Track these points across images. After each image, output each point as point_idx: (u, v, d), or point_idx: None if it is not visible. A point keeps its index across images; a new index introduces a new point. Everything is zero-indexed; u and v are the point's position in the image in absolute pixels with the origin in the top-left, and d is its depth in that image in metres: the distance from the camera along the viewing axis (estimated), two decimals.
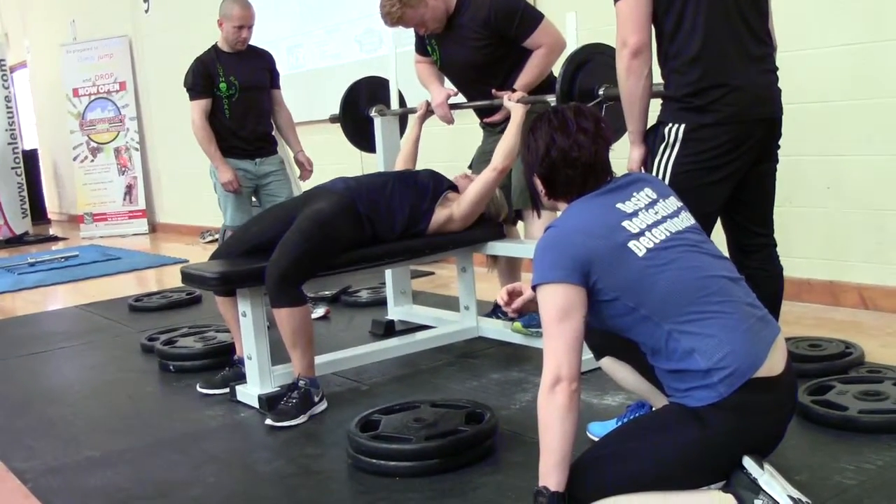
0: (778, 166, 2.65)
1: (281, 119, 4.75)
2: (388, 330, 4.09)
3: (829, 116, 3.92)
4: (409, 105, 4.17)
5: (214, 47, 4.57)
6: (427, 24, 3.59)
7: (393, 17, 3.53)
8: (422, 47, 3.86)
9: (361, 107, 4.17)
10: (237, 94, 4.48)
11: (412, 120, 3.99)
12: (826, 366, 3.01)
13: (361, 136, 4.24)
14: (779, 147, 2.62)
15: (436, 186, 3.49)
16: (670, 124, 2.48)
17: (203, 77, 4.45)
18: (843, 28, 3.86)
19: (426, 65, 3.89)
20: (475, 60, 3.60)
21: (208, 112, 4.47)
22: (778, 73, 2.56)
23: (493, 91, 3.58)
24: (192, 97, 4.48)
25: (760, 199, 2.65)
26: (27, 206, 10.68)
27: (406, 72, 4.04)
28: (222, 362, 3.59)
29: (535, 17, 3.51)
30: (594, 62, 2.95)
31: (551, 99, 3.15)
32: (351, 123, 4.21)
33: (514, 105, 3.47)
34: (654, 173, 2.49)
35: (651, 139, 2.57)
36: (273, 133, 4.73)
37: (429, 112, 3.91)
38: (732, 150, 2.46)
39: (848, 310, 3.97)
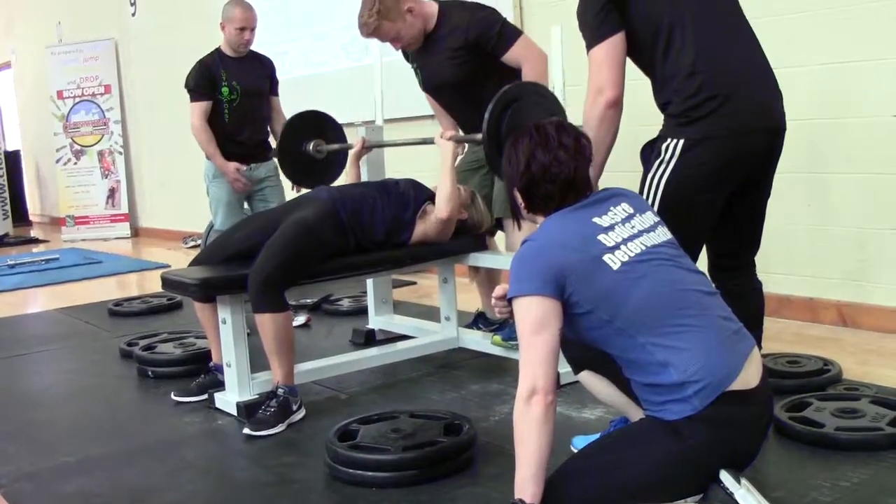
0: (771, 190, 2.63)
1: (278, 126, 4.73)
2: (369, 339, 4.08)
3: (810, 134, 3.95)
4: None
5: (218, 51, 4.56)
6: (402, 39, 3.54)
7: (369, 28, 3.48)
8: None
9: (300, 143, 4.03)
10: (238, 100, 4.48)
11: (350, 157, 3.93)
12: (804, 382, 3.03)
13: (303, 174, 4.08)
14: (774, 169, 2.58)
15: (416, 196, 3.48)
16: (669, 139, 2.44)
17: (205, 79, 4.45)
18: (824, 47, 3.89)
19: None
20: (457, 78, 3.54)
21: (208, 115, 4.46)
22: (777, 81, 2.53)
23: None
24: (193, 99, 4.47)
25: (750, 224, 2.64)
26: (8, 207, 10.63)
27: (391, 80, 4.05)
28: (201, 369, 3.56)
29: (514, 32, 3.47)
30: (522, 101, 2.90)
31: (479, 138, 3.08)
32: (290, 161, 4.03)
33: (443, 143, 3.41)
34: (644, 187, 2.47)
35: (647, 153, 2.53)
36: (268, 140, 4.72)
37: (364, 149, 3.86)
38: (728, 165, 2.42)
39: (827, 327, 3.99)
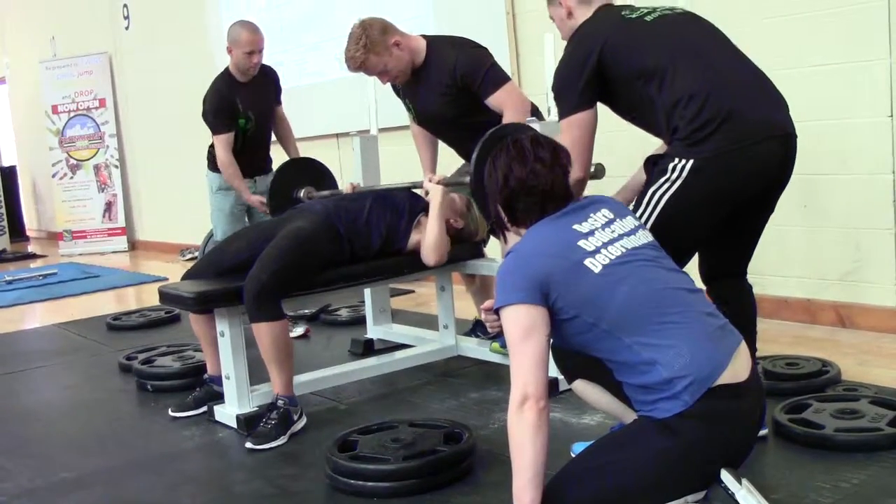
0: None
1: (282, 131, 4.72)
2: (368, 349, 4.09)
3: (805, 136, 3.92)
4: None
5: (228, 77, 4.48)
6: (390, 73, 3.55)
7: (356, 62, 3.49)
8: None
9: (292, 189, 4.02)
10: (254, 128, 4.47)
11: None
12: (803, 384, 3.03)
13: None
14: (786, 183, 2.58)
15: (412, 206, 3.50)
16: (677, 159, 2.41)
17: (225, 112, 4.39)
18: (819, 49, 3.90)
19: (423, 133, 3.88)
20: (447, 113, 3.57)
21: (232, 144, 4.42)
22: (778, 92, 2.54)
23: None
24: (217, 132, 4.42)
25: (753, 238, 2.65)
26: (5, 223, 10.61)
27: (385, 90, 4.05)
28: (200, 382, 3.56)
29: (501, 77, 3.46)
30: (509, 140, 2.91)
31: (468, 180, 3.08)
32: (280, 206, 3.97)
33: (433, 187, 3.42)
34: (644, 200, 2.45)
35: (649, 167, 2.52)
36: (269, 152, 4.72)
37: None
38: (744, 177, 2.42)
39: (825, 328, 3.99)
